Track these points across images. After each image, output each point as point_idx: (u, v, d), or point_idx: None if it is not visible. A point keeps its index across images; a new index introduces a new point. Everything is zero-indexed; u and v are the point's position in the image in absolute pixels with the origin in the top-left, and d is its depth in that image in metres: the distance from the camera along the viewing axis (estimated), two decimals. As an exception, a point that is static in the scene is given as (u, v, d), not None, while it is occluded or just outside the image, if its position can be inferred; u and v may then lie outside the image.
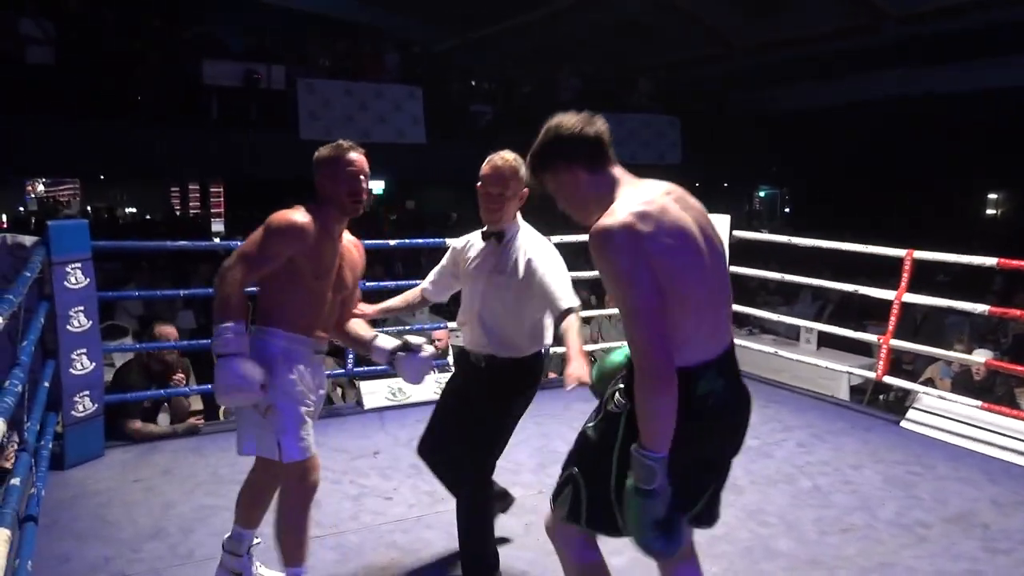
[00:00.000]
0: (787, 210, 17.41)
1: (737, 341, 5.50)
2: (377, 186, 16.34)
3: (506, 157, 2.52)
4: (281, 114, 10.68)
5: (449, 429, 2.74)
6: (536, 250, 2.57)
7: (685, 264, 1.65)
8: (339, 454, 3.89)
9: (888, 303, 4.59)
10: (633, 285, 1.59)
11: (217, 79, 10.34)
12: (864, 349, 6.30)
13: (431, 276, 2.91)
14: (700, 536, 3.06)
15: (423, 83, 11.59)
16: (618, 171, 1.81)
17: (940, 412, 4.30)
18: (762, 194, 18.26)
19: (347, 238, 2.49)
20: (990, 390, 5.15)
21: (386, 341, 2.59)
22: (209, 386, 4.36)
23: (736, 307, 5.42)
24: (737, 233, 5.29)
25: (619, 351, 1.99)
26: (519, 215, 2.61)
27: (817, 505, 3.38)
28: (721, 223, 5.25)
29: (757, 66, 13.72)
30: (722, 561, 2.87)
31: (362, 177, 2.35)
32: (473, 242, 2.72)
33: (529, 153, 1.86)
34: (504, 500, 2.97)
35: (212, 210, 16.61)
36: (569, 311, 2.50)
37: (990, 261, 4.07)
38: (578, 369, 2.29)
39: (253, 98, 10.61)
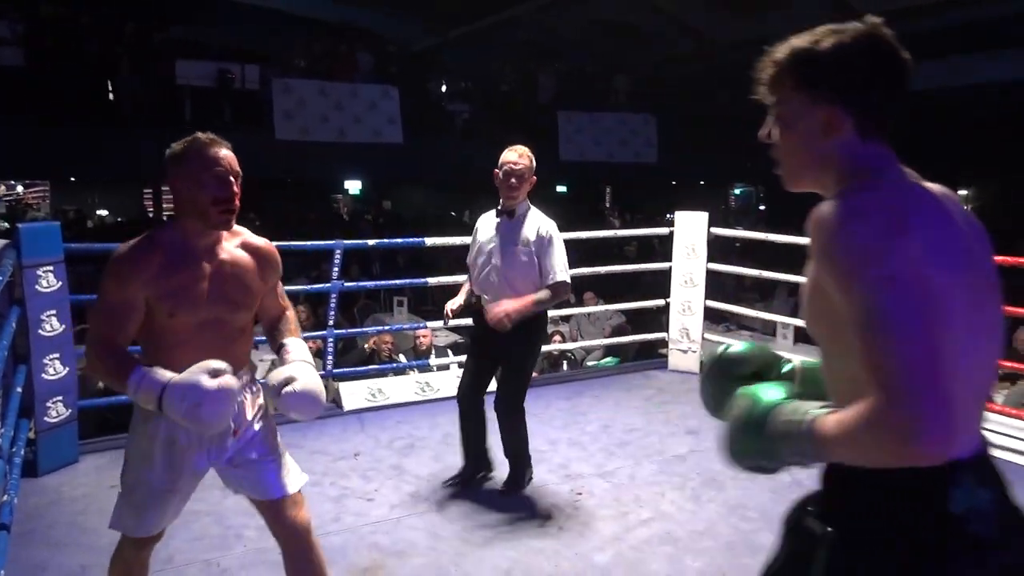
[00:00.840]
0: (762, 207, 17.58)
1: (714, 337, 5.61)
2: (354, 186, 16.26)
3: (523, 150, 3.19)
4: (256, 114, 10.59)
5: (484, 375, 3.43)
6: (544, 226, 3.22)
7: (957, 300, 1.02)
8: (319, 456, 3.86)
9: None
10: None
11: (191, 79, 10.24)
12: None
13: (471, 273, 3.46)
14: (681, 531, 3.09)
15: (399, 82, 11.55)
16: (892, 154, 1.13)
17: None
18: (738, 192, 18.43)
19: (237, 243, 1.98)
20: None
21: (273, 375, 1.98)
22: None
23: (713, 304, 5.48)
24: (714, 230, 5.33)
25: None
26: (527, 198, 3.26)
27: (797, 498, 3.41)
28: (698, 221, 5.30)
29: (736, 64, 13.82)
30: (704, 556, 2.89)
31: (231, 179, 1.86)
32: (486, 221, 3.34)
33: (792, 45, 1.14)
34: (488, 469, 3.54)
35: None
36: (559, 285, 3.18)
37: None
38: (509, 306, 3.07)
39: (227, 98, 10.51)
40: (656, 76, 14.54)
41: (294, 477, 2.05)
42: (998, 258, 4.32)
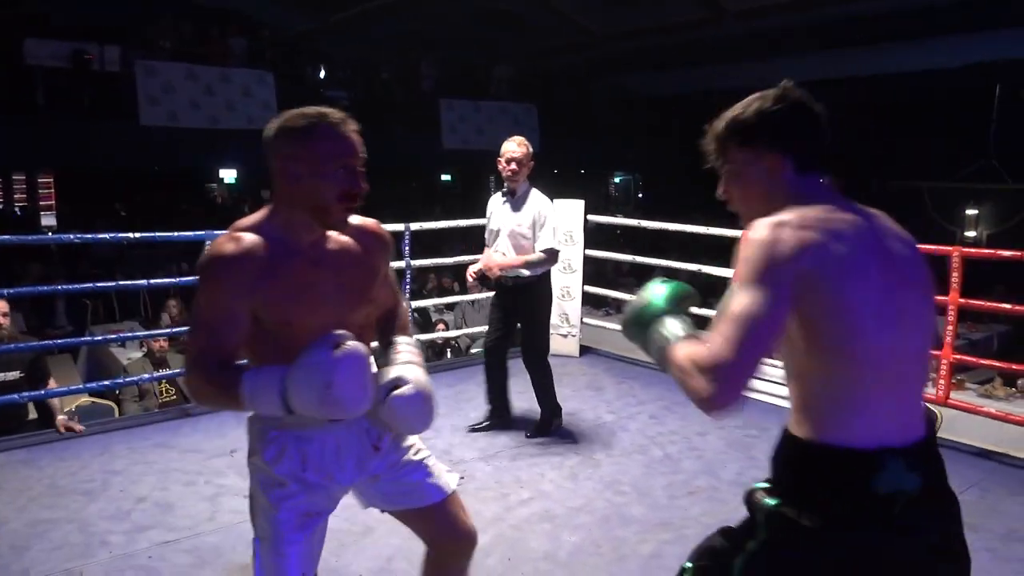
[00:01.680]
0: (640, 195, 18.21)
1: (594, 322, 5.80)
2: (229, 175, 15.60)
3: (521, 139, 3.84)
4: (117, 99, 9.94)
5: (507, 331, 4.00)
6: (541, 203, 3.83)
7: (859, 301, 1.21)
8: (192, 454, 3.72)
9: (728, 280, 4.93)
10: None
11: (41, 59, 9.47)
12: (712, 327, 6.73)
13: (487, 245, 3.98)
14: (560, 508, 3.20)
15: (274, 68, 11.16)
16: (824, 184, 1.36)
17: (775, 379, 4.67)
18: (618, 180, 18.99)
19: (347, 228, 1.64)
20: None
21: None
22: (41, 391, 4.05)
23: (591, 289, 5.66)
24: (591, 217, 5.49)
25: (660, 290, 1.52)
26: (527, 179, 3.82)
27: (668, 472, 3.60)
28: (575, 208, 5.44)
29: (614, 54, 14.21)
30: (581, 531, 3.01)
31: (362, 167, 1.55)
32: (496, 202, 3.97)
33: (727, 118, 1.37)
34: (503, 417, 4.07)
35: (41, 203, 15.22)
36: (549, 251, 3.79)
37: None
38: (499, 260, 3.80)
39: (86, 81, 9.81)
40: (536, 65, 14.74)
41: (448, 474, 1.80)
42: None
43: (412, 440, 1.79)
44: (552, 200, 5.52)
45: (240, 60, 11.01)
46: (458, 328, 7.25)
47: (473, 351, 6.72)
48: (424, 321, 7.01)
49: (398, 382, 1.55)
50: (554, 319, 5.55)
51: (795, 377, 1.27)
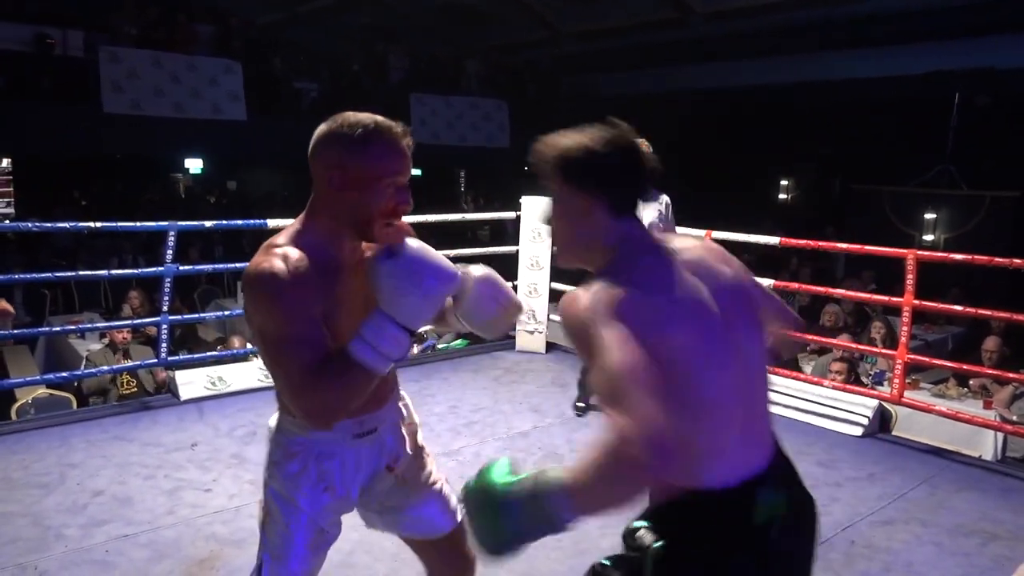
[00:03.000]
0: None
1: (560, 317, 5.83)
2: (195, 165, 15.37)
3: (643, 141, 3.93)
4: (80, 84, 9.72)
5: None
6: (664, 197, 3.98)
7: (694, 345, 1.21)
8: (152, 448, 3.68)
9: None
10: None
11: (2, 43, 9.23)
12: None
13: None
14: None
15: (242, 57, 11.00)
16: (638, 228, 1.34)
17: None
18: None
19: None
20: (777, 356, 5.75)
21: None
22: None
23: (559, 286, 5.69)
24: (558, 215, 5.53)
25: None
26: None
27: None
28: (537, 204, 5.48)
29: (582, 52, 14.27)
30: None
31: (409, 185, 1.47)
32: None
33: (558, 148, 1.35)
34: None
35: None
36: None
37: (773, 240, 4.55)
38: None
39: (47, 66, 9.58)
40: (506, 62, 14.75)
41: (455, 501, 1.78)
42: (809, 242, 4.78)
43: (429, 468, 1.77)
44: (521, 197, 5.58)
45: (207, 48, 10.84)
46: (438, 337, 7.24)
47: (439, 346, 6.72)
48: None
49: (474, 275, 1.60)
50: (520, 316, 5.60)
51: None
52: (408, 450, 1.71)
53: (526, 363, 5.30)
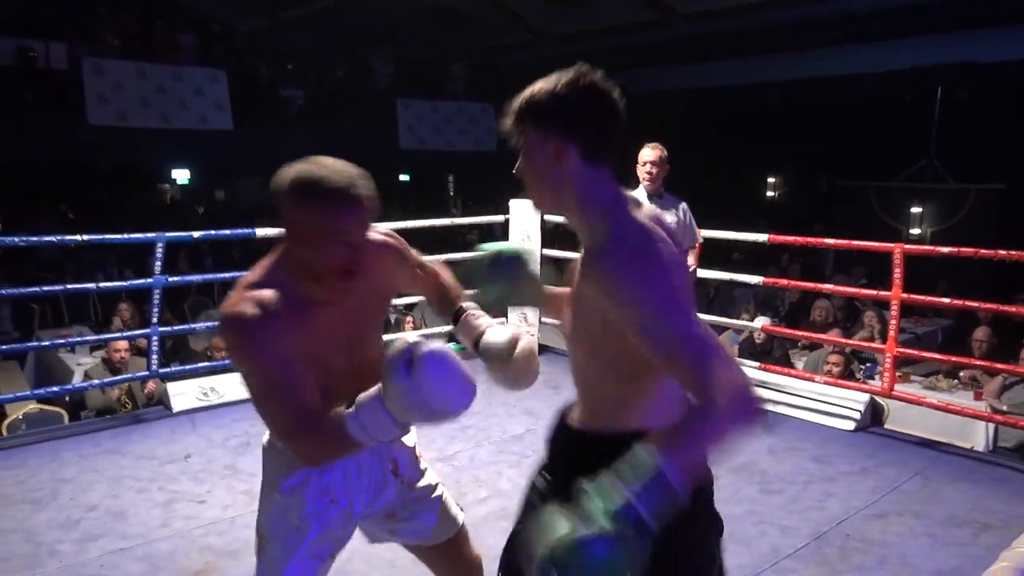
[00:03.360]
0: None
1: (552, 321, 5.84)
2: (182, 176, 15.30)
3: (657, 145, 4.18)
4: (64, 96, 9.68)
5: None
6: (681, 203, 4.30)
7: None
8: (145, 461, 3.66)
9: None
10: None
11: (-17, 57, 9.20)
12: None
13: None
14: (516, 505, 3.22)
15: (226, 65, 10.98)
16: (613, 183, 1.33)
17: (726, 374, 4.77)
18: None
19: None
20: (769, 352, 5.79)
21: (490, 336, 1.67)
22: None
23: (550, 288, 5.70)
24: (548, 217, 5.53)
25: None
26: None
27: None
28: (526, 207, 5.48)
29: (566, 54, 14.30)
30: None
31: (361, 243, 1.43)
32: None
33: (525, 95, 1.35)
34: None
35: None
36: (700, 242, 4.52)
37: (761, 237, 4.58)
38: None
39: (30, 78, 9.53)
40: (492, 65, 14.77)
41: (455, 506, 1.79)
42: (796, 238, 4.81)
43: (429, 475, 1.75)
44: (510, 200, 5.58)
45: (190, 57, 10.81)
46: (416, 328, 7.23)
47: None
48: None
49: (515, 339, 1.61)
50: (513, 318, 5.60)
51: (628, 375, 1.29)
52: (407, 455, 1.70)
53: (519, 366, 5.30)
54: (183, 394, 4.40)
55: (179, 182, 15.59)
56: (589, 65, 1.33)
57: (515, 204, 5.54)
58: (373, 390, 1.32)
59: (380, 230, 1.62)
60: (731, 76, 12.06)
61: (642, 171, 4.13)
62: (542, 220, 5.49)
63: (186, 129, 10.27)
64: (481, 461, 3.70)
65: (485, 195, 15.75)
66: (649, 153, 4.14)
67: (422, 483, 1.73)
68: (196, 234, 4.81)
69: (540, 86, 1.32)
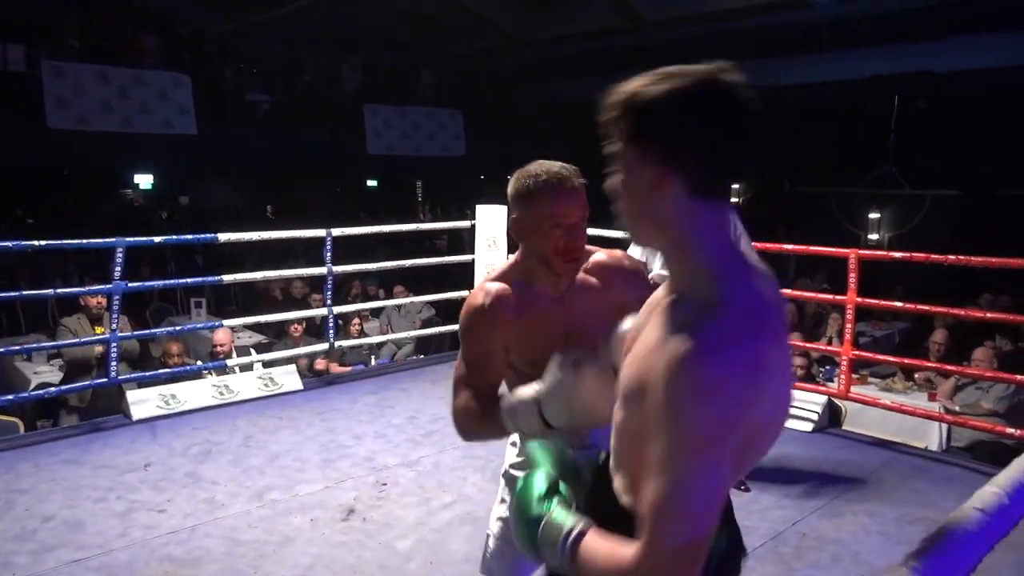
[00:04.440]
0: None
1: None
2: (145, 181, 15.08)
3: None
4: (22, 99, 9.48)
5: None
6: None
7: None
8: (104, 470, 3.61)
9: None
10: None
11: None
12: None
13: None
14: (482, 510, 3.24)
15: (191, 69, 10.85)
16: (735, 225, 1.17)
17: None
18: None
19: (587, 268, 1.68)
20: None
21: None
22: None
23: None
24: (513, 223, 5.57)
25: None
26: None
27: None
28: (498, 213, 5.51)
29: (537, 60, 14.40)
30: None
31: (579, 225, 1.59)
32: None
33: (631, 89, 1.01)
34: None
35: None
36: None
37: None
38: None
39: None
40: (461, 70, 14.78)
41: None
42: (760, 245, 4.92)
43: None
44: (476, 206, 5.61)
45: (155, 60, 10.66)
46: (383, 334, 7.21)
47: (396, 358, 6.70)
48: (345, 326, 6.94)
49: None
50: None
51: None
52: None
53: (485, 371, 5.32)
54: (143, 402, 4.34)
55: (142, 187, 15.36)
56: (727, 63, 0.99)
57: (481, 209, 5.56)
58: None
59: (624, 255, 1.77)
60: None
61: None
62: (508, 225, 5.52)
63: (149, 134, 10.13)
64: (446, 467, 3.71)
65: (454, 200, 15.76)
66: None
67: None
68: (158, 239, 4.76)
69: (649, 82, 0.98)
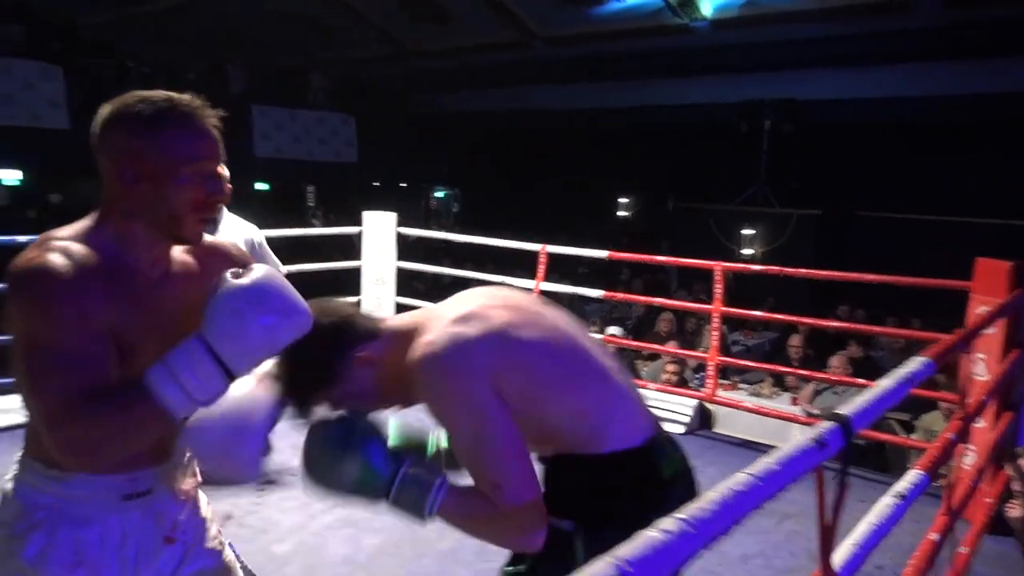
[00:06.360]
0: (456, 209, 18.59)
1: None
2: (11, 177, 14.07)
3: None
4: None
5: None
6: (249, 230, 3.20)
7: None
8: None
9: (530, 291, 5.25)
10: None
11: None
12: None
13: None
14: (362, 513, 3.25)
15: (64, 61, 10.27)
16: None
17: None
18: (440, 194, 19.27)
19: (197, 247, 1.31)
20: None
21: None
22: None
23: (403, 300, 5.76)
24: (402, 230, 5.60)
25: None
26: None
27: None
28: (387, 221, 5.54)
29: (429, 70, 14.48)
30: (382, 534, 3.10)
31: (219, 172, 1.23)
32: None
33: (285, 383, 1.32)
34: None
35: None
36: None
37: (603, 254, 4.88)
38: None
39: None
40: (354, 76, 14.67)
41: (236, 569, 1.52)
42: (633, 255, 5.15)
43: (213, 537, 1.46)
44: (364, 212, 5.59)
45: (18, 50, 10.01)
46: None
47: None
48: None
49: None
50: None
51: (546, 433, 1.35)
52: (191, 515, 1.39)
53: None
54: (6, 411, 4.09)
55: (7, 183, 14.32)
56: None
57: (369, 216, 5.57)
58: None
59: (232, 244, 1.45)
60: (585, 99, 12.67)
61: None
62: (397, 233, 5.55)
63: (14, 126, 9.50)
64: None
65: (346, 207, 15.57)
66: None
67: (208, 553, 1.42)
68: (22, 238, 4.50)
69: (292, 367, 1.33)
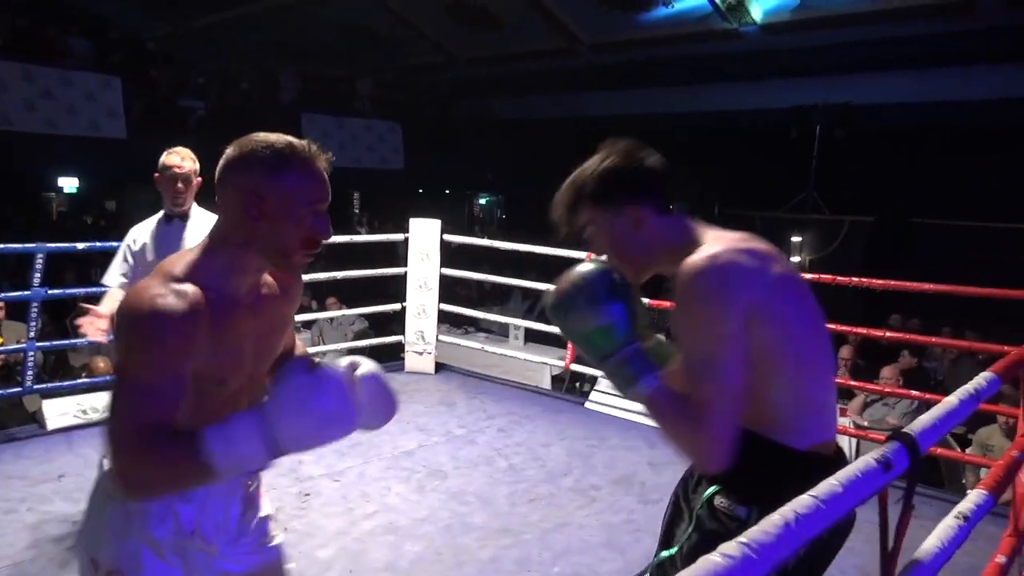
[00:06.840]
0: (502, 216, 18.62)
1: (448, 339, 5.92)
2: (70, 184, 14.58)
3: (187, 152, 3.17)
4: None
5: None
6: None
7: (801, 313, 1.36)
8: (15, 481, 3.50)
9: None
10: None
11: None
12: (563, 342, 7.03)
13: (121, 273, 3.14)
14: (404, 520, 3.27)
15: (123, 72, 10.60)
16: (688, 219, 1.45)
17: (614, 392, 4.98)
18: (484, 201, 19.35)
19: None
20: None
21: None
22: None
23: (447, 307, 5.78)
24: (446, 237, 5.62)
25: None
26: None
27: (511, 481, 3.76)
28: (431, 228, 5.57)
29: (477, 77, 14.55)
30: (423, 540, 3.10)
31: (327, 211, 1.35)
32: (148, 228, 3.22)
33: (570, 186, 1.47)
34: None
35: None
36: None
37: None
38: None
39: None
40: (401, 83, 14.83)
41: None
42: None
43: (271, 524, 1.57)
44: (410, 219, 5.63)
45: (83, 62, 10.38)
46: (315, 345, 7.16)
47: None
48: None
49: (354, 364, 1.38)
50: (410, 336, 5.65)
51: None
52: (251, 523, 1.52)
53: (414, 383, 5.34)
54: (59, 412, 4.22)
55: (66, 191, 14.83)
56: (613, 141, 1.46)
57: (415, 223, 5.60)
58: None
59: None
60: (632, 105, 12.56)
61: (170, 185, 3.15)
62: (441, 240, 5.58)
63: (75, 136, 9.84)
64: (370, 477, 3.73)
65: (391, 213, 15.73)
66: (175, 160, 3.16)
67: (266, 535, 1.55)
68: (81, 245, 4.66)
69: (595, 170, 1.44)
